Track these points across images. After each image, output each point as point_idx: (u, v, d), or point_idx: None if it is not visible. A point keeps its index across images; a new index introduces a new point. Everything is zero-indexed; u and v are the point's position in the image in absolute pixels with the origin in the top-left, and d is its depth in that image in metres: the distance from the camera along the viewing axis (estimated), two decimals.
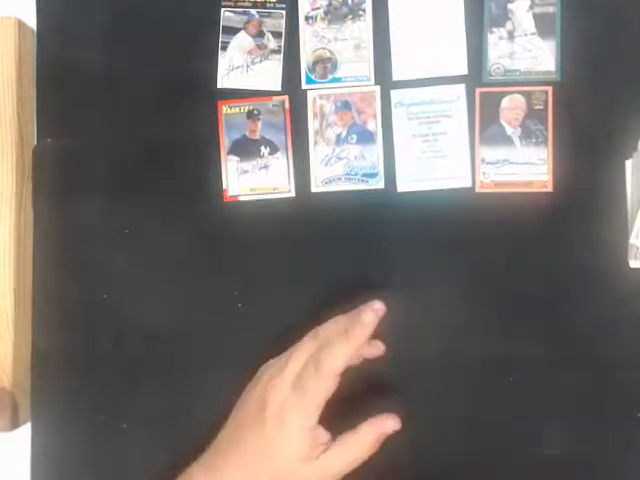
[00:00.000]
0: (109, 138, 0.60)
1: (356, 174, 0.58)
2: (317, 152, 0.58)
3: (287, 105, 0.59)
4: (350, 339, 0.47)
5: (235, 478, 0.48)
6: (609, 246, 0.55)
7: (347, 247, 0.58)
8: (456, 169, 0.57)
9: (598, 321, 0.56)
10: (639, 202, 0.54)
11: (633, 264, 0.55)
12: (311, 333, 0.50)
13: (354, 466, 0.47)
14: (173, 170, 0.59)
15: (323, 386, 0.47)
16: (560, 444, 0.56)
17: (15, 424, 0.59)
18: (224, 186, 0.59)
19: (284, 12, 0.59)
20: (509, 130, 0.57)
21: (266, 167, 0.59)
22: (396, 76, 0.58)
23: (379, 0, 0.58)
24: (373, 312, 0.48)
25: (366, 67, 0.58)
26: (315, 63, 0.59)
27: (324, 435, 0.48)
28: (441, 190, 0.57)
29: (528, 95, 0.57)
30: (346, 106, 0.58)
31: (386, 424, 0.47)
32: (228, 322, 0.58)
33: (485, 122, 0.57)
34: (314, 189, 0.58)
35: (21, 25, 0.60)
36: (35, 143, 0.61)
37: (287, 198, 0.59)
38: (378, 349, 0.53)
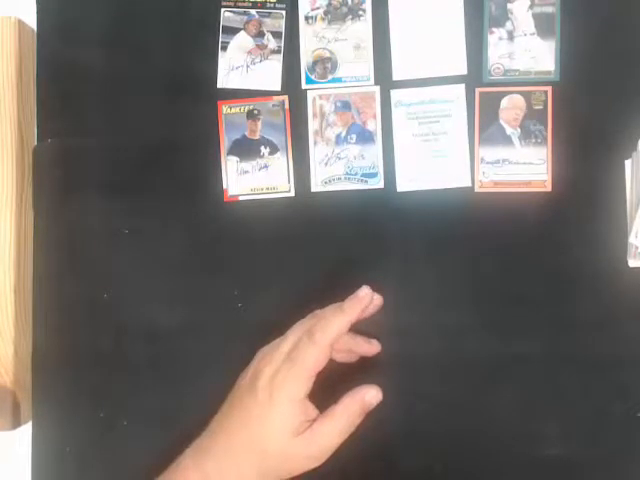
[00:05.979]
0: (109, 138, 0.60)
1: (356, 174, 0.58)
2: (317, 152, 0.58)
3: (287, 105, 0.59)
4: (344, 311, 0.49)
5: (220, 458, 0.48)
6: (608, 245, 0.56)
7: (347, 247, 0.58)
8: (455, 169, 0.57)
9: (597, 320, 0.56)
10: (638, 202, 0.54)
11: (632, 263, 0.55)
12: (309, 315, 0.51)
13: (341, 439, 0.48)
14: (173, 170, 0.60)
15: (314, 355, 0.47)
16: (560, 444, 0.56)
17: (16, 423, 0.59)
18: (224, 186, 0.59)
19: (284, 12, 0.59)
20: (508, 130, 0.57)
21: (266, 167, 0.59)
22: (396, 76, 0.58)
23: (379, 0, 0.58)
24: (369, 289, 0.50)
25: (366, 67, 0.58)
26: (315, 63, 0.59)
27: (314, 411, 0.48)
28: (441, 190, 0.57)
29: (527, 95, 0.57)
30: (346, 106, 0.58)
31: (368, 394, 0.49)
32: (228, 322, 0.59)
33: (485, 122, 0.57)
34: (314, 189, 0.58)
35: (21, 25, 0.60)
36: (35, 143, 0.61)
37: (287, 198, 0.59)
38: (375, 346, 0.54)
